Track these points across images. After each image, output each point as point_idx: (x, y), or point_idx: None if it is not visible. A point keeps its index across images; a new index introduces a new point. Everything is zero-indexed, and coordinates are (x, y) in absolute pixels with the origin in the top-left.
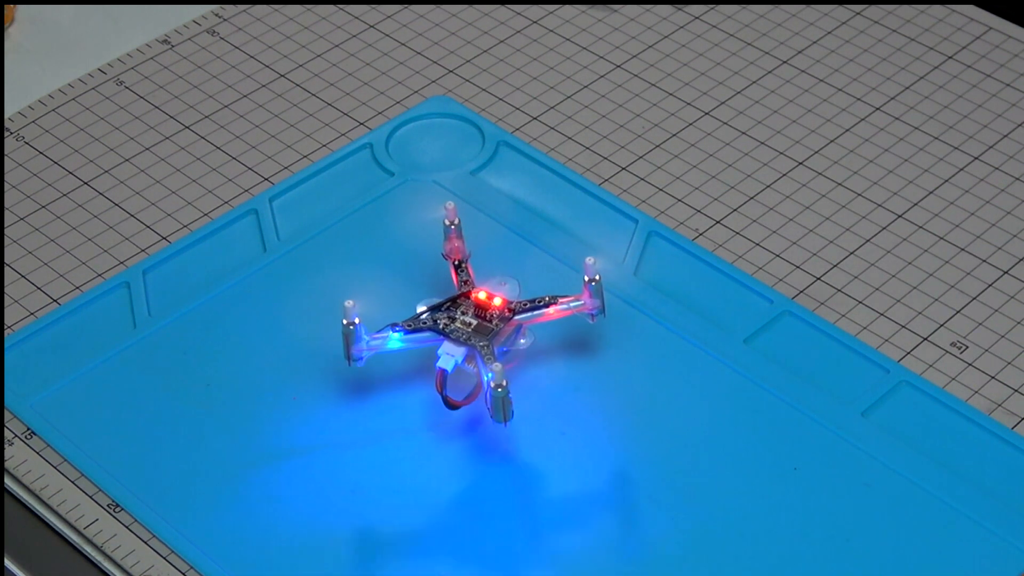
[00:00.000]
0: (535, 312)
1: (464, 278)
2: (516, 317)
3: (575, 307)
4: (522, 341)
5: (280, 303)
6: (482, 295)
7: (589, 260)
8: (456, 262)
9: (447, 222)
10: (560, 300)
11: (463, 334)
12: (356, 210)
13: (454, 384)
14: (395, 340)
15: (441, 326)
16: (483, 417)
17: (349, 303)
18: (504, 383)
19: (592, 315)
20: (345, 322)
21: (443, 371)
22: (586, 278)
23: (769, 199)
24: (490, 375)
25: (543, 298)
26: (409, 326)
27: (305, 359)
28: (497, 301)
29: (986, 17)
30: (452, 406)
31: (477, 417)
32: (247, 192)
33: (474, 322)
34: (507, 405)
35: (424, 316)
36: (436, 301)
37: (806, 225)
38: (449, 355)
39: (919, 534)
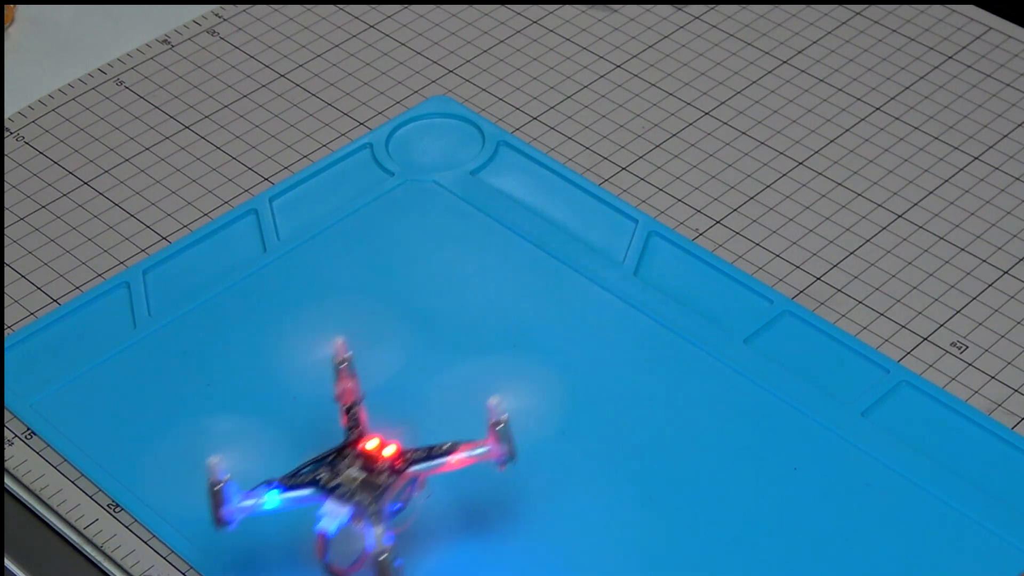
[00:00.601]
0: (433, 462)
1: (352, 424)
2: (411, 469)
3: (479, 454)
4: (417, 495)
5: (280, 303)
6: (371, 444)
7: (493, 401)
8: (347, 405)
9: (337, 360)
10: (462, 447)
11: (347, 491)
12: (356, 210)
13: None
14: (272, 499)
15: (323, 481)
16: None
17: (214, 460)
18: (387, 549)
19: (500, 463)
20: (211, 481)
21: (324, 534)
22: (491, 421)
23: (769, 199)
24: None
25: (442, 445)
26: (287, 482)
27: (305, 359)
28: (389, 451)
29: (986, 17)
30: (335, 573)
31: (476, 418)
32: (247, 192)
33: (361, 476)
34: (395, 573)
35: (306, 470)
36: (319, 454)
37: (806, 225)
38: (331, 516)
39: (919, 534)
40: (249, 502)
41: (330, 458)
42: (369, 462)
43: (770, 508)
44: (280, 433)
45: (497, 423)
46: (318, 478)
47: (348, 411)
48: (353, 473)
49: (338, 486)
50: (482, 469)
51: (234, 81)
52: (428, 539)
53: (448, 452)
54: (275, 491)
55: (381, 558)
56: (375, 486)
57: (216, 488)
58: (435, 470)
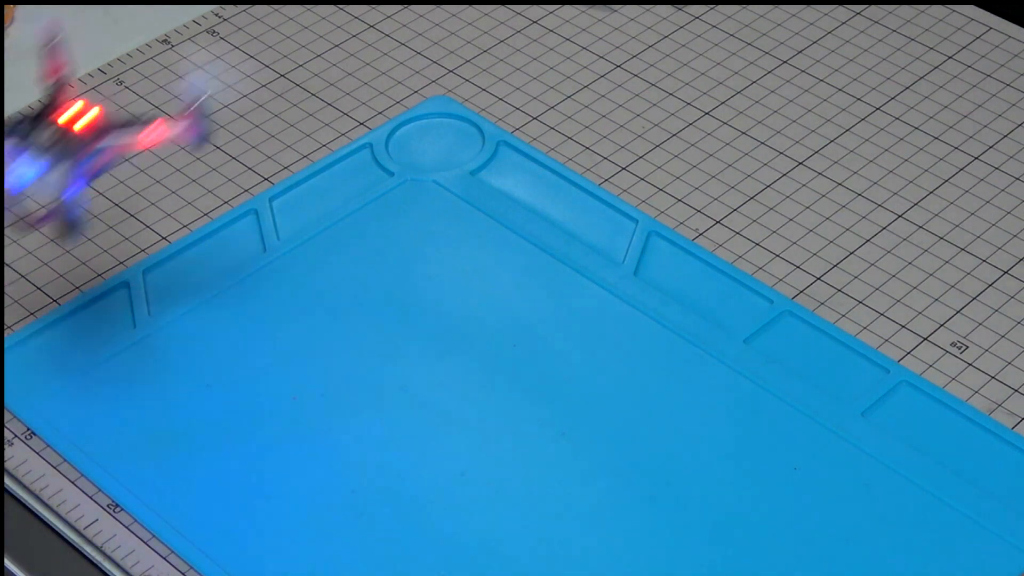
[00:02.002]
0: (127, 131)
1: (57, 94)
2: (102, 139)
3: (176, 130)
4: (101, 167)
5: (280, 303)
6: (74, 107)
7: (192, 77)
8: (55, 79)
9: (46, 42)
10: (158, 121)
11: (41, 148)
12: (356, 210)
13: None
14: None
15: (20, 135)
16: (484, 418)
17: None
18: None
19: (195, 140)
20: None
21: (14, 187)
22: (190, 98)
23: (769, 199)
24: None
25: (143, 116)
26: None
27: (305, 359)
28: (91, 114)
29: (986, 17)
30: (30, 223)
31: (477, 418)
32: (247, 192)
33: (57, 136)
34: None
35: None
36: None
37: (806, 225)
38: (24, 167)
39: (919, 534)
40: None
41: (33, 117)
42: (68, 124)
43: (770, 508)
44: (280, 434)
45: (195, 99)
46: (21, 131)
47: (56, 85)
48: (50, 133)
49: (32, 144)
50: (482, 471)
51: (234, 81)
52: (427, 537)
53: (145, 123)
54: None
55: (65, 202)
56: (69, 147)
57: None
58: (131, 145)
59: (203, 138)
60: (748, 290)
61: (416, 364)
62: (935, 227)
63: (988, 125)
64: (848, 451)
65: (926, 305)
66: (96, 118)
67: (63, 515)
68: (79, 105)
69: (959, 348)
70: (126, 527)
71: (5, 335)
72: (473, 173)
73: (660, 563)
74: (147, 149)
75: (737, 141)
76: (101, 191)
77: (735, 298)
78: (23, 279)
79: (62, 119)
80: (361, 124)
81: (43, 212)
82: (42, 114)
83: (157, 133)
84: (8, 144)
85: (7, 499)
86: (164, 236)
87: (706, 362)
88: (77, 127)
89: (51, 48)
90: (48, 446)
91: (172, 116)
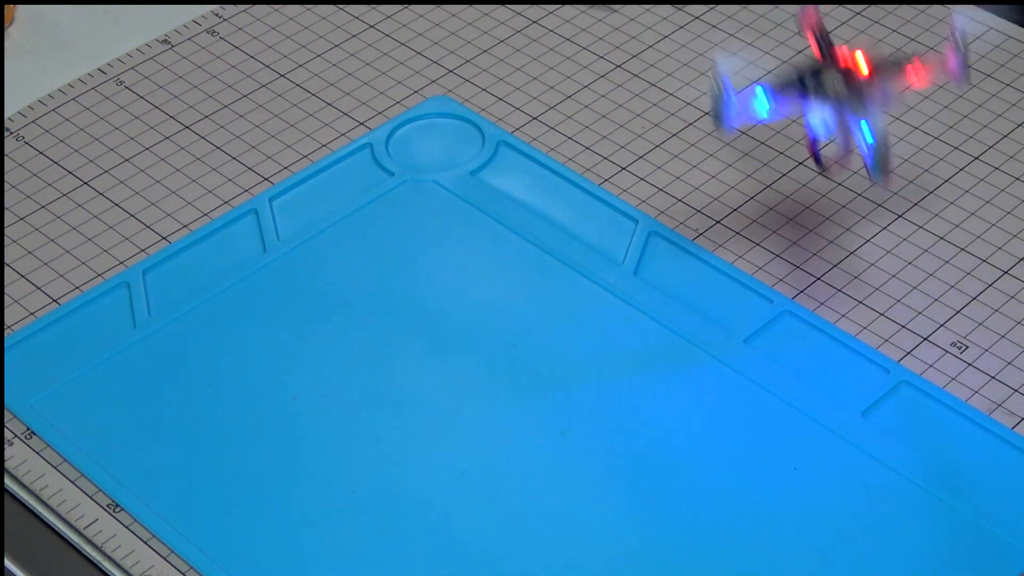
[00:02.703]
0: (899, 70)
1: (825, 43)
2: (883, 78)
3: (941, 65)
4: (886, 101)
5: (280, 303)
6: (848, 56)
7: (954, 18)
8: (815, 30)
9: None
10: (919, 57)
11: (832, 93)
12: (356, 210)
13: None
14: (760, 98)
15: (810, 87)
16: (484, 418)
17: (721, 55)
18: (884, 131)
19: (957, 76)
20: (715, 77)
21: (814, 134)
22: (950, 34)
23: (769, 199)
24: (867, 128)
25: (906, 54)
26: (776, 88)
27: (305, 359)
28: (862, 63)
29: (986, 17)
30: (823, 166)
31: (477, 418)
32: (247, 192)
33: (843, 81)
34: (888, 158)
35: (789, 77)
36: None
37: (806, 225)
38: (819, 116)
39: (919, 534)
40: (743, 103)
41: (811, 70)
42: (847, 72)
43: (770, 508)
44: (280, 434)
45: (953, 34)
46: (804, 83)
47: (819, 37)
48: (835, 78)
49: (822, 90)
50: (482, 471)
51: (234, 81)
52: (427, 537)
53: (905, 61)
54: (763, 92)
55: (875, 143)
56: (856, 90)
57: (719, 85)
58: (903, 80)
59: (964, 71)
60: (748, 290)
61: (416, 364)
62: (935, 227)
63: (988, 125)
64: (848, 451)
65: (926, 305)
66: (869, 59)
67: (63, 515)
68: (845, 50)
69: (959, 348)
70: (126, 527)
71: (5, 335)
72: (473, 173)
73: (660, 563)
74: (919, 88)
75: (737, 141)
76: (101, 191)
77: (735, 298)
78: (23, 279)
79: (840, 66)
80: (361, 124)
81: (842, 154)
82: (821, 64)
83: (922, 70)
84: (797, 96)
85: (7, 499)
86: (164, 236)
87: (706, 362)
88: (862, 70)
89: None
90: (48, 446)
91: (927, 55)
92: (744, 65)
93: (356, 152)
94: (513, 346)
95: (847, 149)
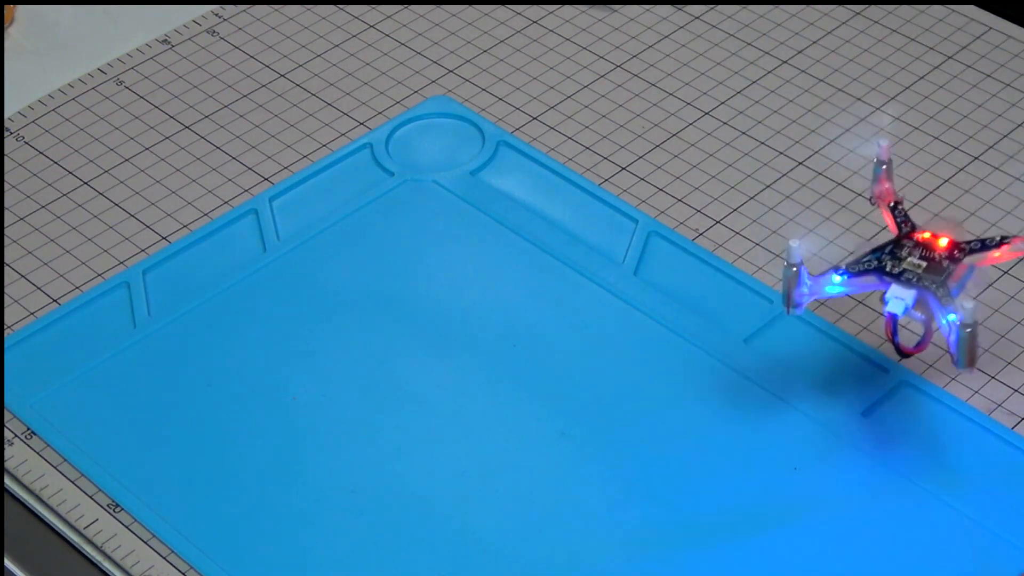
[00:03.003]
0: (985, 253)
1: (901, 219)
2: (966, 258)
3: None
4: (971, 283)
5: (280, 303)
6: (927, 235)
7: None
8: (891, 204)
9: (878, 160)
10: (1014, 240)
11: (913, 276)
12: (356, 210)
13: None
14: (836, 285)
15: (888, 268)
16: (484, 418)
17: (795, 242)
18: (975, 322)
19: None
20: (788, 263)
21: (893, 316)
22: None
23: (769, 199)
24: (954, 316)
25: (993, 238)
26: (852, 269)
27: (305, 359)
28: (943, 241)
29: (986, 17)
30: (904, 353)
31: (477, 418)
32: (247, 192)
33: (923, 263)
34: (975, 348)
35: (867, 259)
36: (875, 246)
37: (806, 225)
38: (899, 298)
39: (919, 534)
40: (817, 286)
41: (888, 248)
42: (927, 251)
43: (770, 508)
44: (280, 434)
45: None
46: (882, 265)
47: (894, 209)
48: (915, 260)
49: (903, 271)
50: (482, 471)
51: (234, 81)
52: (427, 537)
53: (999, 244)
54: (842, 276)
55: (967, 330)
56: (940, 270)
57: (793, 269)
58: (985, 261)
59: None
60: (748, 290)
61: (416, 364)
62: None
63: (988, 125)
64: (848, 451)
65: None
66: (950, 244)
67: (63, 515)
68: (928, 235)
69: None
70: (126, 527)
71: (5, 335)
72: (473, 173)
73: (660, 563)
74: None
75: (737, 141)
76: (101, 191)
77: (735, 298)
78: (23, 279)
79: (922, 238)
80: (361, 124)
81: (924, 340)
82: (899, 242)
83: (1010, 251)
84: (873, 276)
85: (7, 499)
86: (164, 236)
87: (706, 362)
88: (941, 248)
89: (885, 171)
90: (48, 446)
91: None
92: (823, 245)
93: (356, 152)
94: (513, 346)
95: (929, 333)
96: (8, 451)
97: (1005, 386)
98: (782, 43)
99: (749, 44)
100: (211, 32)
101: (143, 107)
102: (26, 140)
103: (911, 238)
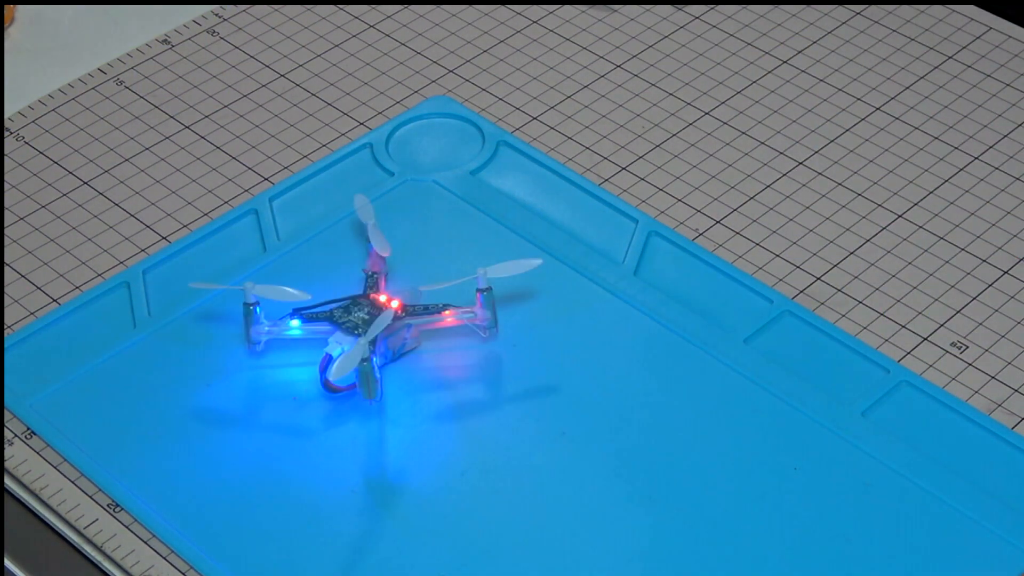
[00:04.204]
0: (428, 318)
1: (371, 284)
2: (407, 319)
3: (466, 318)
4: (409, 340)
5: (280, 303)
6: (382, 297)
7: (480, 271)
8: (370, 273)
9: (369, 272)
10: (454, 309)
11: (353, 327)
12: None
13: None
14: (294, 328)
15: (336, 317)
16: (484, 417)
17: (248, 284)
18: (367, 358)
19: (483, 329)
20: (245, 303)
21: (328, 356)
22: (477, 288)
23: (769, 199)
24: (371, 358)
25: (437, 304)
26: (308, 316)
27: (305, 359)
28: (394, 304)
29: (986, 17)
30: (331, 389)
31: (477, 418)
32: (247, 192)
33: (367, 318)
34: (371, 381)
35: (321, 309)
36: (337, 299)
37: (806, 225)
38: (337, 343)
39: (919, 534)
40: (276, 328)
41: (346, 303)
42: (375, 310)
43: (770, 508)
44: (280, 433)
45: (482, 291)
46: (333, 315)
47: (369, 277)
48: (362, 315)
49: (347, 322)
50: (482, 471)
51: (234, 81)
52: (427, 537)
53: (441, 310)
54: (298, 320)
55: (363, 363)
56: (372, 320)
57: (248, 308)
58: (428, 325)
59: (492, 326)
60: (748, 290)
61: (415, 363)
62: (935, 227)
63: (988, 125)
64: (848, 451)
65: (926, 305)
66: (398, 307)
67: (63, 515)
68: (384, 297)
69: (959, 348)
70: (126, 527)
71: (5, 335)
72: (473, 173)
73: (660, 563)
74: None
75: (737, 141)
76: (101, 191)
77: (735, 298)
78: (23, 279)
79: (376, 299)
80: (361, 124)
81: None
82: (355, 299)
83: (450, 320)
84: (324, 324)
85: (7, 499)
86: (164, 236)
87: (706, 362)
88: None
89: (374, 252)
90: (48, 446)
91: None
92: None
93: (356, 152)
94: (513, 346)
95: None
96: (8, 451)
97: (1005, 386)
98: (782, 43)
99: (749, 44)
100: (211, 32)
101: (143, 107)
102: (26, 140)
103: (368, 298)
